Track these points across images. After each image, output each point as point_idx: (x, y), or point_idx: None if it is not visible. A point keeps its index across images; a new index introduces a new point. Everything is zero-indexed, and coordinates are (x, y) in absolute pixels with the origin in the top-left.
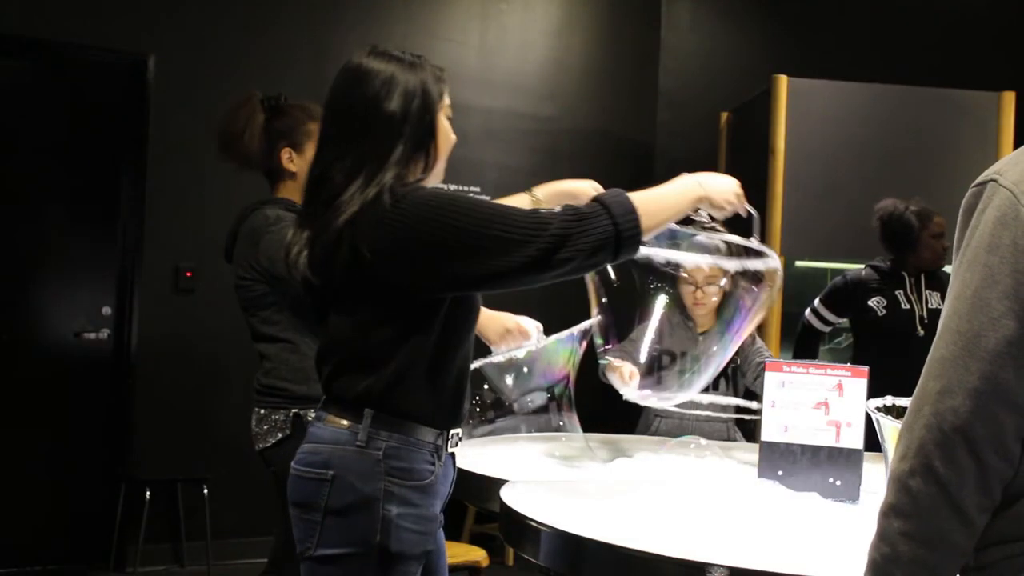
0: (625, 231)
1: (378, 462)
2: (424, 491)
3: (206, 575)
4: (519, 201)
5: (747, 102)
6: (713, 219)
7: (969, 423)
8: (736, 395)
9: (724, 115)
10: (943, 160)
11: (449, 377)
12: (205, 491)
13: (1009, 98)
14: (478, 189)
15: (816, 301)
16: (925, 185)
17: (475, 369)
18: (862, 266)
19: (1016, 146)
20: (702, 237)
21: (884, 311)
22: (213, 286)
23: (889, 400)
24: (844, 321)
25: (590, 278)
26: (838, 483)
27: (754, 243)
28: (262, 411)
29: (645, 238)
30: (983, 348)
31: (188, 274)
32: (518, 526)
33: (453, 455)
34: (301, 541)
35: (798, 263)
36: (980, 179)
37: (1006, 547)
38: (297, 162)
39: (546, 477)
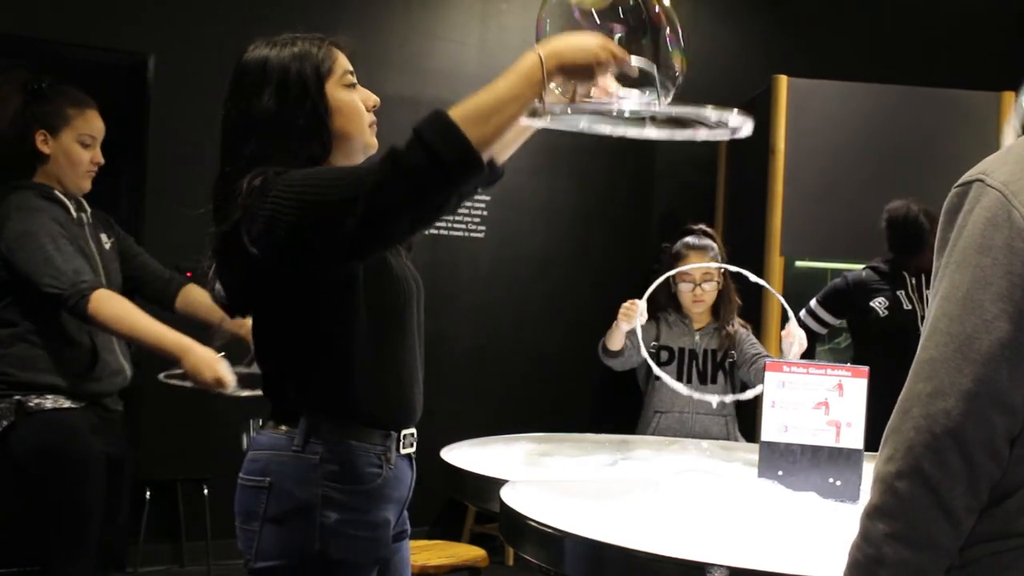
0: (448, 155)
1: (315, 466)
2: (370, 495)
3: (206, 575)
4: None
5: (747, 102)
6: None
7: (961, 425)
8: (734, 390)
9: None
10: (943, 160)
11: (388, 372)
12: (205, 491)
13: (1009, 98)
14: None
15: (812, 303)
16: (925, 185)
17: None
18: (861, 267)
19: None
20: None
21: (887, 312)
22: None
23: None
24: (841, 322)
25: None
26: (838, 483)
27: (703, 111)
28: None
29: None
30: (976, 350)
31: (188, 274)
32: (518, 526)
33: (410, 456)
34: (244, 553)
35: (798, 263)
36: (964, 179)
37: (991, 544)
38: (52, 145)
39: (546, 477)
